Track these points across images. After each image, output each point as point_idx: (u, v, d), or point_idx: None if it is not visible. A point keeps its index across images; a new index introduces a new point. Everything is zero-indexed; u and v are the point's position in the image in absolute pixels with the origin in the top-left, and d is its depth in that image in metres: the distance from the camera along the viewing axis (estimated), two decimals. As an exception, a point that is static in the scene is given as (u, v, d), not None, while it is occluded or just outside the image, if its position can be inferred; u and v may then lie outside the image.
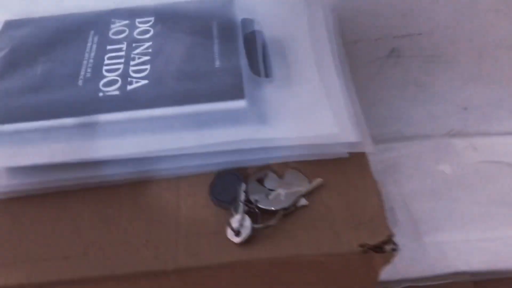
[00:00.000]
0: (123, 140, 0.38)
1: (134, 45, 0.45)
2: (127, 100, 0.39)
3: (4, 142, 0.39)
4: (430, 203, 0.67)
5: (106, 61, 0.43)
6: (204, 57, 0.42)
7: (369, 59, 0.59)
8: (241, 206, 0.38)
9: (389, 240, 0.36)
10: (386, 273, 0.37)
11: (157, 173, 0.40)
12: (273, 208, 0.38)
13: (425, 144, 0.71)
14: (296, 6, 0.49)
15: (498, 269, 0.58)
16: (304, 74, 0.44)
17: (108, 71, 0.42)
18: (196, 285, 0.37)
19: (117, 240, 0.37)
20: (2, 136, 0.38)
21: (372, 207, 0.39)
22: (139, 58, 0.43)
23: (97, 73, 0.42)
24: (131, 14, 0.48)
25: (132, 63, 0.43)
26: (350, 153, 0.41)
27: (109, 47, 0.45)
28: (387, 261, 0.37)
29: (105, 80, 0.41)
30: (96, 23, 0.48)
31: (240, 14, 0.47)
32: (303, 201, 0.39)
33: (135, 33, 0.46)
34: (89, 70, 0.42)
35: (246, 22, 0.47)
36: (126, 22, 0.47)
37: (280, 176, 0.41)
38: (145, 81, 0.41)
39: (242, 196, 0.38)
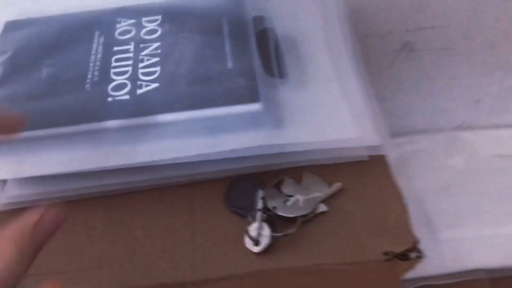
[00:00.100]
0: (134, 148, 0.37)
1: (141, 45, 0.43)
2: (138, 105, 0.38)
3: (9, 152, 0.37)
4: (442, 199, 0.65)
5: (114, 64, 0.41)
6: (215, 58, 0.41)
7: (381, 53, 0.58)
8: (259, 214, 0.36)
9: (414, 247, 0.35)
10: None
11: (170, 180, 0.38)
12: (292, 216, 0.37)
13: (436, 137, 0.70)
14: (309, 0, 0.47)
15: (515, 265, 0.57)
16: (319, 73, 0.42)
17: (116, 74, 0.40)
18: (215, 296, 0.36)
19: (131, 251, 0.36)
20: (7, 145, 0.37)
21: (394, 212, 0.37)
22: (148, 59, 0.41)
23: (104, 77, 0.40)
24: (137, 12, 0.46)
25: (141, 65, 0.41)
26: (370, 156, 0.39)
27: (116, 48, 0.43)
28: (410, 267, 0.36)
29: (113, 84, 0.40)
30: (101, 22, 0.46)
31: (250, 11, 0.45)
32: (323, 207, 0.37)
33: (142, 33, 0.44)
34: (96, 73, 0.41)
35: (257, 20, 0.45)
36: (132, 21, 0.45)
37: (297, 180, 0.39)
38: (155, 85, 0.39)
39: (260, 203, 0.37)
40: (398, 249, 0.35)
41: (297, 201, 0.37)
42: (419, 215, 0.62)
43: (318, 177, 0.39)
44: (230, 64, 0.40)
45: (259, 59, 0.41)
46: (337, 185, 0.38)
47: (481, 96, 0.67)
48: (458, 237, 0.61)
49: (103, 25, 0.45)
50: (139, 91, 0.39)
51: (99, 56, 0.42)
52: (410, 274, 0.58)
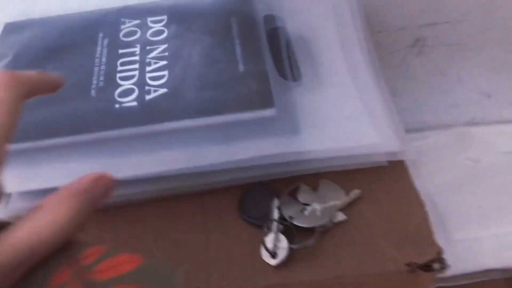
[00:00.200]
0: (144, 157, 0.35)
1: (148, 48, 0.41)
2: (147, 113, 0.36)
3: (13, 163, 0.35)
4: (454, 197, 0.64)
5: (120, 67, 0.40)
6: (226, 61, 0.39)
7: (392, 49, 0.56)
8: (275, 225, 0.35)
9: (438, 257, 0.34)
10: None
11: (180, 190, 0.37)
12: (309, 226, 0.35)
13: (447, 133, 0.68)
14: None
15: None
16: (334, 74, 0.40)
17: (122, 78, 0.39)
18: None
19: (143, 266, 0.34)
20: (10, 156, 0.35)
21: (416, 220, 0.36)
22: (155, 63, 0.40)
23: (110, 82, 0.39)
24: (142, 12, 0.44)
25: (148, 69, 0.39)
26: (389, 161, 0.38)
27: (121, 51, 0.41)
28: (433, 279, 0.35)
29: (120, 89, 0.38)
30: (105, 23, 0.44)
31: (259, 9, 0.43)
32: (341, 216, 0.36)
33: (148, 34, 0.42)
34: (101, 78, 0.39)
35: (268, 18, 0.43)
36: (137, 21, 0.44)
37: (313, 187, 0.38)
38: (164, 90, 0.37)
39: (276, 213, 0.35)
40: (421, 260, 0.34)
41: (314, 210, 0.36)
42: (432, 214, 0.61)
43: (335, 184, 0.38)
44: (241, 67, 0.38)
45: (271, 61, 0.39)
46: (355, 192, 0.37)
47: (492, 91, 0.65)
48: (471, 236, 0.60)
49: (106, 26, 0.43)
50: (148, 97, 0.37)
51: (103, 59, 0.40)
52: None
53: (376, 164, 0.37)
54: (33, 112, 0.37)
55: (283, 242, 0.34)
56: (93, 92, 0.38)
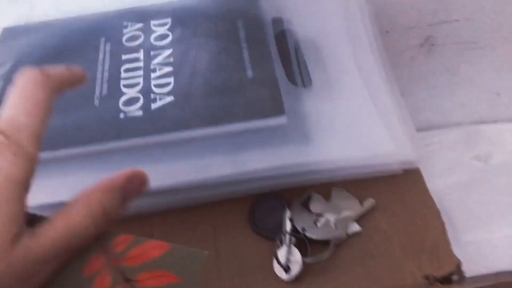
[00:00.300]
0: (150, 169, 0.34)
1: (152, 53, 0.40)
2: (153, 122, 0.35)
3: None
4: (463, 197, 0.63)
5: (123, 74, 0.38)
6: (233, 67, 0.38)
7: (401, 48, 0.54)
8: (288, 238, 0.34)
9: (458, 270, 0.33)
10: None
11: (189, 202, 0.36)
12: (323, 238, 0.34)
13: (455, 132, 0.67)
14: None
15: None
16: (345, 79, 0.39)
17: (126, 86, 0.37)
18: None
19: (152, 282, 0.33)
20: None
21: (433, 230, 0.35)
22: (160, 69, 0.38)
23: (114, 90, 0.37)
24: (145, 15, 0.43)
25: (153, 75, 0.38)
26: (404, 169, 0.37)
27: (124, 57, 0.40)
28: (451, 290, 0.34)
29: (124, 98, 0.37)
30: (106, 27, 0.42)
31: (267, 12, 0.42)
32: (356, 227, 0.35)
33: (151, 38, 0.41)
34: (104, 86, 0.37)
35: (276, 21, 0.42)
36: (140, 25, 0.42)
37: (326, 196, 0.36)
38: (170, 98, 0.36)
39: (288, 225, 0.34)
40: (440, 273, 0.33)
41: (327, 221, 0.35)
42: (442, 215, 0.60)
43: (348, 193, 0.36)
44: (249, 73, 0.37)
45: (280, 66, 0.38)
46: (370, 202, 0.36)
47: (501, 90, 0.64)
48: (481, 238, 0.59)
49: (108, 30, 0.42)
50: (153, 106, 0.36)
51: (106, 66, 0.39)
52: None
53: (390, 173, 0.36)
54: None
55: (296, 256, 0.33)
56: (96, 101, 0.37)
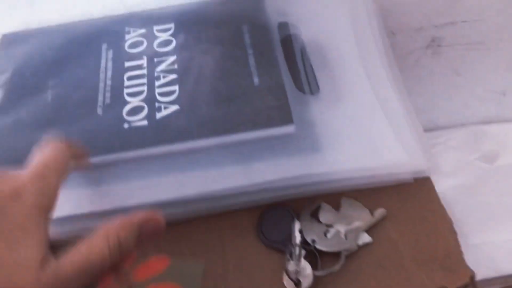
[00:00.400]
0: (156, 181, 0.33)
1: (156, 60, 0.39)
2: (158, 132, 0.34)
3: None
4: (470, 199, 0.62)
5: (127, 82, 0.37)
6: (239, 74, 0.37)
7: (407, 50, 0.53)
8: (298, 250, 0.33)
9: (472, 282, 0.32)
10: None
11: (195, 213, 0.35)
12: (334, 250, 0.33)
13: (460, 132, 0.66)
14: (336, 1, 0.42)
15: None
16: (353, 85, 0.38)
17: (130, 95, 0.36)
18: None
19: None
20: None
21: (445, 240, 0.34)
22: (164, 77, 0.37)
23: (118, 99, 0.36)
24: (147, 20, 0.42)
25: (157, 83, 0.37)
26: (414, 178, 0.36)
27: (127, 64, 0.39)
28: (464, 302, 0.33)
29: (128, 107, 0.36)
30: (108, 33, 0.41)
31: (272, 16, 0.41)
32: (367, 238, 0.34)
33: (155, 44, 0.40)
34: (107, 94, 0.37)
35: (282, 26, 0.41)
36: (143, 31, 0.41)
37: (335, 205, 0.36)
38: (175, 107, 0.35)
39: (298, 237, 0.34)
40: (453, 285, 0.32)
41: (338, 232, 0.34)
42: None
43: (357, 202, 0.36)
44: (256, 80, 0.36)
45: (287, 72, 0.37)
46: (380, 212, 0.35)
47: (507, 90, 0.63)
48: (488, 240, 0.58)
49: (110, 36, 0.41)
50: (158, 115, 0.35)
51: (109, 73, 0.38)
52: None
53: (400, 181, 0.35)
54: (36, 131, 0.35)
55: (307, 269, 0.32)
56: (99, 110, 0.36)
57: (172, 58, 0.38)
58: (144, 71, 0.38)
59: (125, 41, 0.40)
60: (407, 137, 0.34)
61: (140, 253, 0.28)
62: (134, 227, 0.26)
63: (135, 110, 0.35)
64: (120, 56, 0.39)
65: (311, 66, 0.39)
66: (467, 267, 0.33)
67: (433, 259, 0.33)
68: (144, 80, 0.37)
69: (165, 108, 0.35)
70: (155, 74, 0.38)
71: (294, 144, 0.34)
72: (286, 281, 0.32)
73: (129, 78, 0.38)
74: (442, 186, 0.63)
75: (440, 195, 0.61)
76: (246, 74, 0.37)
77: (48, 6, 0.45)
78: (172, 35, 0.40)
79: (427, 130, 0.66)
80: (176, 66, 0.38)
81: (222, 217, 0.36)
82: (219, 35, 0.40)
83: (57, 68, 0.39)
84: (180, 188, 0.33)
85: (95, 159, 0.33)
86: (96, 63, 0.39)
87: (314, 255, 0.33)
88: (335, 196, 0.36)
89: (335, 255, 0.33)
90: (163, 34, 0.41)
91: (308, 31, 0.41)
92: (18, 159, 0.33)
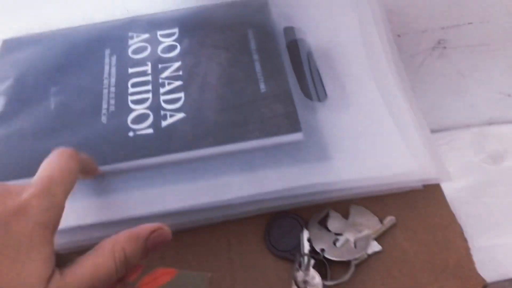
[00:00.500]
0: (162, 191, 0.33)
1: (160, 66, 0.38)
2: (164, 141, 0.33)
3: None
4: (474, 201, 0.62)
5: (131, 89, 0.37)
6: (245, 80, 0.36)
7: (413, 52, 0.53)
8: (307, 260, 0.32)
9: (484, 291, 0.32)
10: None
11: (202, 222, 0.34)
12: (344, 259, 0.33)
13: (465, 134, 0.66)
14: (342, 4, 0.42)
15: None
16: (361, 90, 0.37)
17: (135, 102, 0.36)
18: None
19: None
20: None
21: (455, 249, 0.34)
22: (169, 83, 0.37)
23: (122, 106, 0.36)
24: (150, 25, 0.41)
25: (162, 90, 0.36)
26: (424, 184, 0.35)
27: (131, 70, 0.38)
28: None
29: (133, 114, 0.35)
30: (111, 38, 0.41)
31: (277, 21, 0.40)
32: (376, 246, 0.34)
33: (159, 50, 0.39)
34: (112, 102, 0.36)
35: (288, 31, 0.40)
36: (146, 36, 0.40)
37: (343, 213, 0.35)
38: (181, 115, 0.35)
39: (307, 247, 0.33)
40: (466, 294, 0.31)
41: (347, 241, 0.34)
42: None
43: (366, 210, 0.35)
44: (262, 87, 0.36)
45: (294, 78, 0.37)
46: (389, 220, 0.35)
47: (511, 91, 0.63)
48: (495, 243, 0.58)
49: (113, 41, 0.40)
50: (164, 123, 0.34)
51: (112, 80, 0.38)
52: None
53: (410, 188, 0.35)
54: (39, 140, 0.35)
55: (316, 279, 0.32)
56: (104, 118, 0.35)
57: (177, 64, 0.38)
58: (149, 78, 0.37)
59: (129, 46, 0.40)
60: (417, 144, 0.34)
61: (146, 263, 0.27)
62: (140, 240, 0.26)
63: (140, 118, 0.35)
64: (123, 62, 0.39)
65: (318, 71, 0.38)
66: (479, 276, 0.32)
67: (444, 268, 0.33)
68: (149, 87, 0.37)
69: (170, 116, 0.35)
70: (160, 81, 0.37)
71: (302, 152, 0.33)
72: (295, 290, 0.32)
73: (134, 85, 0.37)
74: (447, 188, 0.63)
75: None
76: (253, 81, 0.36)
77: (49, 11, 0.44)
78: (176, 40, 0.40)
79: (431, 131, 0.66)
80: (181, 73, 0.37)
81: (229, 225, 0.35)
82: (224, 40, 0.39)
83: (59, 74, 0.38)
84: (186, 198, 0.32)
85: (100, 169, 0.33)
86: (99, 69, 0.38)
87: (323, 264, 0.33)
88: (343, 204, 0.35)
89: (345, 264, 0.33)
90: (167, 39, 0.40)
91: (314, 35, 0.40)
92: (21, 169, 0.33)
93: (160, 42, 0.40)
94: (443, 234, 0.34)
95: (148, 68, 0.38)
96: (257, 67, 0.37)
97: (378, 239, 0.34)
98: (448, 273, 0.33)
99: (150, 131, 0.34)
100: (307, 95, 0.37)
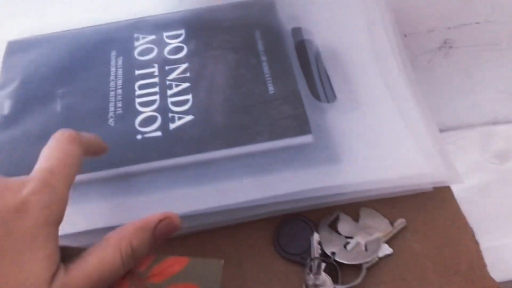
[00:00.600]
0: (171, 194, 0.32)
1: (167, 68, 0.38)
2: (172, 144, 0.33)
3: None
4: (480, 201, 0.62)
5: (138, 92, 0.36)
6: (253, 81, 0.36)
7: (419, 52, 0.53)
8: (317, 263, 0.32)
9: (496, 294, 0.31)
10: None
11: (211, 226, 0.34)
12: (355, 263, 0.32)
13: (470, 133, 0.66)
14: (350, 5, 0.41)
15: None
16: (370, 91, 0.37)
17: (142, 104, 0.36)
18: None
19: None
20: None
21: (467, 251, 0.33)
22: (177, 85, 0.36)
23: (129, 108, 0.35)
24: (157, 26, 0.41)
25: (169, 92, 0.36)
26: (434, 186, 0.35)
27: (138, 72, 0.38)
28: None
29: (141, 117, 0.35)
30: (117, 40, 0.40)
31: (285, 21, 0.40)
32: (387, 249, 0.33)
33: (165, 51, 0.39)
34: (119, 104, 0.36)
35: (295, 32, 0.40)
36: (152, 37, 0.40)
37: (354, 216, 0.35)
38: (189, 117, 0.34)
39: (317, 250, 0.33)
40: (478, 298, 0.31)
41: (358, 244, 0.33)
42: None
43: (377, 212, 0.35)
44: (271, 88, 0.35)
45: (303, 80, 0.36)
46: (400, 222, 0.34)
47: (517, 89, 0.62)
48: (501, 243, 0.58)
49: (119, 43, 0.40)
50: (172, 126, 0.34)
51: (119, 82, 0.37)
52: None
53: (420, 191, 0.35)
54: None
55: (327, 283, 0.32)
56: (111, 121, 0.35)
57: (184, 66, 0.38)
58: (156, 80, 0.37)
59: (135, 48, 0.39)
60: (428, 146, 0.34)
61: (157, 253, 0.27)
62: (147, 231, 0.25)
63: (148, 121, 0.34)
64: (130, 64, 0.38)
65: (326, 72, 0.38)
66: (491, 279, 0.32)
67: (456, 271, 0.33)
68: (156, 89, 0.36)
69: (179, 118, 0.34)
70: (167, 83, 0.37)
71: (312, 155, 0.33)
72: (306, 295, 0.32)
73: (141, 87, 0.37)
74: (453, 187, 0.62)
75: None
76: (261, 82, 0.36)
77: (55, 12, 0.44)
78: (183, 41, 0.39)
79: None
80: (188, 74, 0.37)
81: (238, 228, 0.35)
82: (231, 41, 0.39)
83: (65, 76, 0.38)
84: (195, 202, 0.32)
85: (108, 172, 0.33)
86: (105, 71, 0.38)
87: (334, 268, 0.32)
88: (353, 206, 0.35)
89: (356, 268, 0.33)
90: (173, 40, 0.40)
91: (321, 36, 0.40)
92: (27, 171, 0.32)
93: (167, 44, 0.40)
94: (454, 237, 0.34)
95: (155, 69, 0.38)
96: (265, 68, 0.37)
97: (389, 242, 0.34)
98: (460, 276, 0.32)
99: (159, 133, 0.34)
100: (316, 96, 0.36)
